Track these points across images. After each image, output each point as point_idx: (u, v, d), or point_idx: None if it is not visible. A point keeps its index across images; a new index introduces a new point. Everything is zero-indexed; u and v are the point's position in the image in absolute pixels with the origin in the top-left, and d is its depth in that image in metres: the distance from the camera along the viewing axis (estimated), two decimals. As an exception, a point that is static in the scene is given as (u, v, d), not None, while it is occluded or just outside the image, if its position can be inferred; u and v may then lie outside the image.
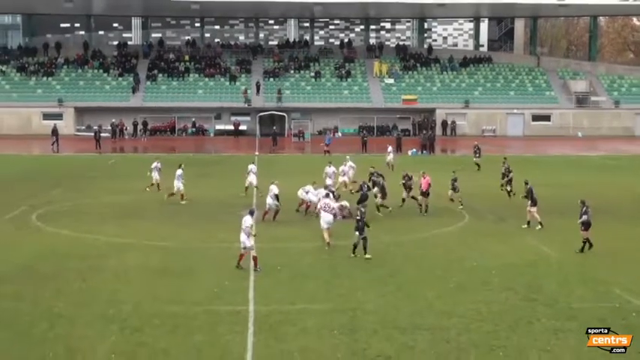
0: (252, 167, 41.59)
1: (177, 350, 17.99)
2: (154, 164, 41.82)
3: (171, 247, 28.76)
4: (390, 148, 54.78)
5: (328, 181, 38.35)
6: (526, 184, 32.87)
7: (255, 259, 24.64)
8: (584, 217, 27.71)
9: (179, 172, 39.02)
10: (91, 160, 60.97)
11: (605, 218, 34.34)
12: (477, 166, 52.63)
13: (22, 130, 79.61)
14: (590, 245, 27.75)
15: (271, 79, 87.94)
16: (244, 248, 24.76)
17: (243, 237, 24.77)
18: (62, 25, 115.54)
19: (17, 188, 43.83)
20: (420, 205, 35.86)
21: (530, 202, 32.02)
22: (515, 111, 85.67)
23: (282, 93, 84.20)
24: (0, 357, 17.74)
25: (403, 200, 36.90)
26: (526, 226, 32.26)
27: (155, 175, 41.34)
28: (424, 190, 35.62)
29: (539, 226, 31.66)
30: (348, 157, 45.26)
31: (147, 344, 18.35)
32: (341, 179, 42.05)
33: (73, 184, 45.73)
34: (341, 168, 42.47)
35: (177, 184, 38.82)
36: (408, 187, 36.84)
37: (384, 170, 43.78)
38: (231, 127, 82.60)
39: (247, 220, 24.92)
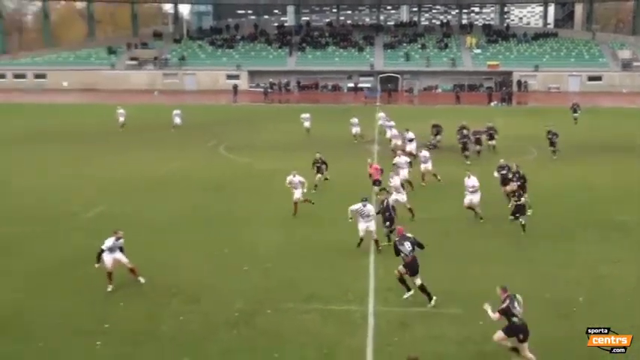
0: (381, 115, 38.42)
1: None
2: (175, 111, 41.08)
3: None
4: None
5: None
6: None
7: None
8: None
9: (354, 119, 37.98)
10: (260, 108, 61.97)
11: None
12: (575, 120, 44.31)
13: (212, 87, 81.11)
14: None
15: (389, 50, 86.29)
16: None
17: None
18: (238, 11, 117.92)
19: (209, 129, 44.76)
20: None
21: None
22: (574, 73, 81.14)
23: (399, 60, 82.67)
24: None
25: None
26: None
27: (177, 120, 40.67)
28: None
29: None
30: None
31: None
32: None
33: (247, 126, 46.45)
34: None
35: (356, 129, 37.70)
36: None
37: None
38: (359, 85, 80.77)
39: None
